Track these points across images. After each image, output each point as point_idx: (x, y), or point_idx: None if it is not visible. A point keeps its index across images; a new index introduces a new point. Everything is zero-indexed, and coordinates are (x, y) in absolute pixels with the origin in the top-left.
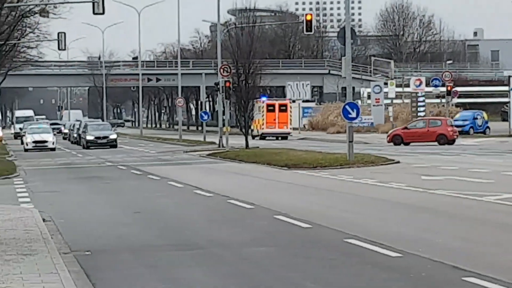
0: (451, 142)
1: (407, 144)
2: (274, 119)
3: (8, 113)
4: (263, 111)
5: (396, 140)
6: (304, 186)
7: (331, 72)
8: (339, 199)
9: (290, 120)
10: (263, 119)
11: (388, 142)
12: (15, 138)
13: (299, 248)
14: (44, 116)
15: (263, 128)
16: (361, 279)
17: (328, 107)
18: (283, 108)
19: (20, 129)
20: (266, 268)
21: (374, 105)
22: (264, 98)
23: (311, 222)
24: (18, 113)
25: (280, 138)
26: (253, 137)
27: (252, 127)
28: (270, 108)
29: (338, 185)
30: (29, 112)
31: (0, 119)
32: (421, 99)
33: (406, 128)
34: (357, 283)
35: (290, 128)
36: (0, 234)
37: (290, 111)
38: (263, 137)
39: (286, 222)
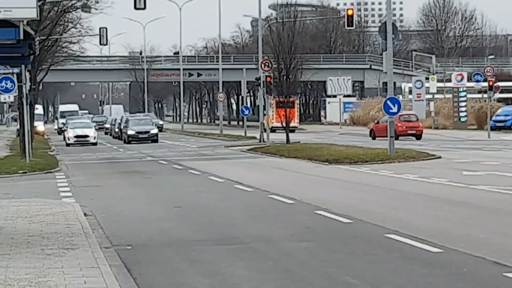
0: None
1: (374, 138)
2: (284, 115)
3: (50, 108)
4: (273, 107)
5: (371, 134)
6: (345, 181)
7: (372, 67)
8: (380, 194)
9: (297, 115)
10: (273, 114)
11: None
12: (59, 133)
13: (340, 243)
14: (87, 111)
15: (273, 122)
16: (401, 274)
17: (369, 102)
18: (291, 105)
19: (63, 124)
20: (307, 263)
21: (415, 100)
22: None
23: (352, 217)
24: (62, 107)
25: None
26: (265, 129)
27: (263, 121)
28: (280, 105)
29: (379, 180)
30: (74, 107)
31: (43, 114)
32: (462, 94)
33: (377, 123)
34: (397, 279)
35: (297, 123)
36: (42, 228)
37: (297, 108)
38: (273, 130)
39: (326, 217)
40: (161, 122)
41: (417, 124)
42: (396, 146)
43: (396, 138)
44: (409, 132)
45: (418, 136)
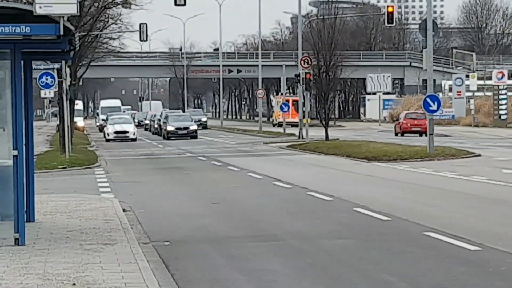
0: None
1: (403, 134)
2: (289, 112)
3: (90, 104)
4: (279, 105)
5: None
6: (384, 178)
7: (412, 64)
8: (419, 192)
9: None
10: (279, 112)
11: None
12: (100, 130)
13: (378, 240)
14: (130, 107)
15: (279, 117)
16: (439, 272)
17: (409, 100)
18: (295, 103)
19: (104, 120)
20: (344, 260)
21: (455, 98)
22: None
23: (390, 214)
24: (104, 103)
25: (291, 125)
26: (274, 125)
27: (272, 118)
28: (294, 103)
29: (418, 178)
30: (116, 102)
31: (82, 109)
32: (503, 92)
33: (397, 120)
34: (435, 277)
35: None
36: (81, 224)
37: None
38: (280, 125)
39: (365, 214)
40: (205, 119)
41: (422, 122)
42: (435, 144)
43: (402, 135)
44: (413, 129)
45: (424, 133)
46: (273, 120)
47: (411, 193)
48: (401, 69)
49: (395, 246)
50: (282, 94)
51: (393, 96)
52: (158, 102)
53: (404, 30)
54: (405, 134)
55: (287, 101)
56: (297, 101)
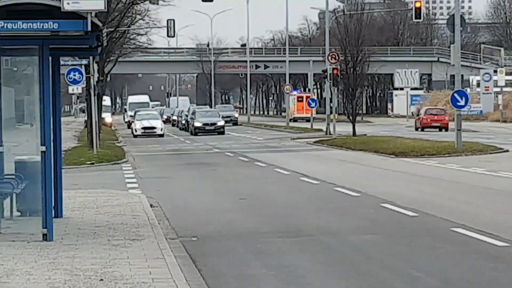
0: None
1: (423, 129)
2: (302, 107)
3: (118, 100)
4: (294, 102)
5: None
6: (411, 174)
7: (440, 59)
8: (447, 188)
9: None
10: (294, 107)
11: None
12: (129, 127)
13: (405, 236)
14: (158, 102)
15: (294, 113)
16: (467, 268)
17: (437, 95)
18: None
19: (132, 116)
20: (372, 256)
21: (483, 93)
22: (295, 92)
23: (418, 210)
24: (132, 98)
25: (306, 121)
26: (290, 120)
27: (288, 113)
28: (300, 99)
29: (445, 173)
30: (144, 98)
31: (110, 105)
32: None
33: (418, 115)
34: (463, 272)
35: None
36: (108, 219)
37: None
38: (295, 120)
39: (392, 210)
40: (236, 115)
41: (442, 118)
42: (463, 140)
43: (422, 129)
44: (433, 124)
45: (444, 129)
46: (288, 116)
47: (438, 189)
48: (429, 65)
49: (423, 242)
50: (296, 91)
51: (420, 92)
52: (185, 98)
53: (431, 26)
54: (425, 129)
55: (301, 98)
56: (309, 97)
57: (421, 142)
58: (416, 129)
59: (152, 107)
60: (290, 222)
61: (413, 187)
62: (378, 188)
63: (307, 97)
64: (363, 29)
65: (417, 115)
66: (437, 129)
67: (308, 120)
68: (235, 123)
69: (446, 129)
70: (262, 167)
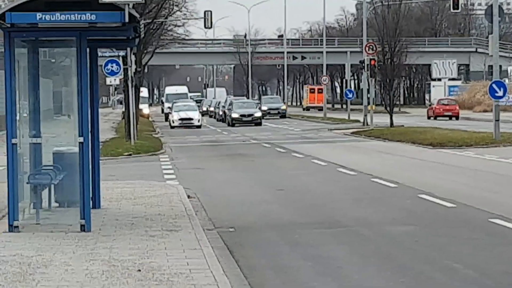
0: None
1: (435, 118)
2: (314, 98)
3: (155, 91)
4: (307, 93)
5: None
6: (449, 165)
7: (478, 50)
8: (485, 179)
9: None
10: (307, 98)
11: None
12: (166, 119)
13: (443, 227)
14: (199, 93)
15: (307, 103)
16: (505, 259)
17: (475, 86)
18: (320, 91)
19: (170, 108)
20: (409, 247)
21: None
22: (308, 85)
23: (455, 201)
24: (169, 89)
25: (318, 109)
26: (303, 109)
27: (303, 103)
28: (312, 91)
29: (483, 164)
30: (182, 89)
31: (148, 96)
32: None
33: (431, 104)
34: (501, 264)
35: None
36: (146, 210)
37: (325, 93)
38: (307, 108)
39: (430, 201)
40: (284, 107)
41: (453, 107)
42: (501, 130)
43: (435, 118)
44: (445, 113)
45: (455, 117)
46: (303, 105)
47: (476, 180)
48: (467, 55)
49: (460, 233)
50: (307, 84)
51: (458, 82)
52: (222, 89)
53: (469, 16)
54: (437, 118)
55: (313, 89)
56: (321, 89)
57: (459, 132)
58: (429, 117)
59: (192, 98)
60: (327, 213)
61: (450, 178)
62: (416, 179)
63: (319, 89)
64: (400, 20)
65: (430, 105)
66: (448, 118)
67: (320, 109)
68: (282, 115)
69: (457, 118)
70: (299, 158)
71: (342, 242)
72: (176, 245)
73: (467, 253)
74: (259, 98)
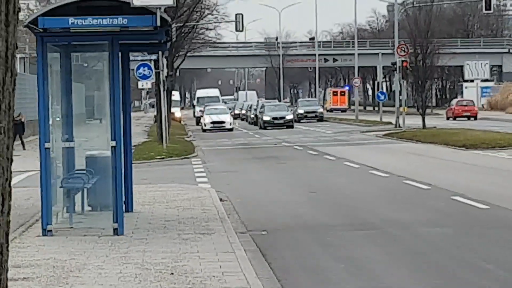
0: None
1: (455, 118)
2: (337, 100)
3: (187, 94)
4: (330, 95)
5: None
6: (482, 166)
7: (511, 51)
8: None
9: (348, 100)
10: (330, 100)
11: None
12: (198, 123)
13: (476, 229)
14: (232, 96)
15: (330, 105)
16: None
17: (508, 87)
18: (343, 94)
19: (201, 111)
20: (441, 248)
21: None
22: (331, 88)
23: (489, 203)
24: (200, 92)
25: (341, 111)
26: (326, 111)
27: (325, 105)
28: (335, 93)
29: None
30: (214, 92)
31: (179, 100)
32: None
33: (449, 105)
34: None
35: (346, 105)
36: (179, 214)
37: (347, 96)
38: (331, 110)
39: (463, 202)
40: (321, 110)
41: (471, 108)
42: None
43: (454, 119)
44: (464, 114)
45: (473, 117)
46: (325, 107)
47: (509, 181)
48: (499, 56)
49: (494, 234)
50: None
51: (491, 84)
52: (253, 92)
53: (502, 17)
54: (456, 118)
55: (336, 92)
56: (344, 92)
57: (492, 134)
58: (448, 118)
59: (225, 102)
60: (359, 215)
61: (484, 179)
62: (449, 180)
63: (341, 91)
64: (432, 21)
65: (448, 106)
66: (467, 118)
67: (343, 110)
68: (320, 119)
69: (475, 118)
70: (331, 161)
71: (375, 244)
72: (209, 248)
73: (501, 254)
74: (291, 101)
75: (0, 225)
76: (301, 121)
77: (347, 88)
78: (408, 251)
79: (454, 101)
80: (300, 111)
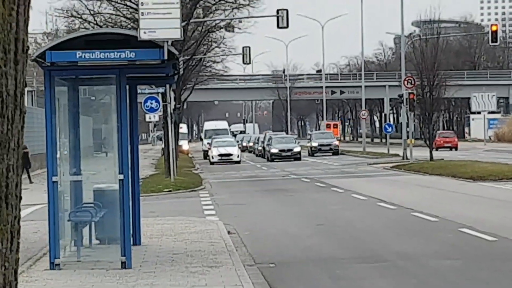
0: None
1: (437, 149)
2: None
3: (195, 127)
4: (324, 127)
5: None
6: (490, 198)
7: None
8: None
9: (340, 132)
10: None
11: None
12: (205, 157)
13: (485, 261)
14: (243, 128)
15: None
16: None
17: None
18: (335, 126)
19: (209, 144)
20: (452, 281)
21: None
22: (325, 121)
23: (497, 235)
24: (208, 125)
25: None
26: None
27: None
28: (328, 126)
29: None
30: (222, 124)
31: (187, 132)
32: None
33: (434, 137)
34: None
35: (338, 138)
36: (186, 246)
37: (340, 128)
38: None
39: (471, 235)
40: (336, 143)
41: (452, 140)
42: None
43: (437, 149)
44: (446, 145)
45: (454, 148)
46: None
47: None
48: (506, 88)
49: (503, 266)
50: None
51: (498, 115)
52: (255, 124)
53: (508, 49)
54: (439, 149)
55: (329, 124)
56: (336, 124)
57: (500, 166)
58: (437, 149)
59: (234, 134)
60: (368, 248)
61: (491, 211)
62: (456, 212)
63: (334, 124)
64: (439, 53)
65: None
66: (449, 149)
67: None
68: (335, 152)
69: (456, 149)
70: (339, 193)
71: (384, 276)
72: (217, 281)
73: (510, 286)
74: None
75: (9, 263)
76: (315, 154)
77: (338, 122)
78: (418, 284)
79: (437, 133)
80: (314, 144)
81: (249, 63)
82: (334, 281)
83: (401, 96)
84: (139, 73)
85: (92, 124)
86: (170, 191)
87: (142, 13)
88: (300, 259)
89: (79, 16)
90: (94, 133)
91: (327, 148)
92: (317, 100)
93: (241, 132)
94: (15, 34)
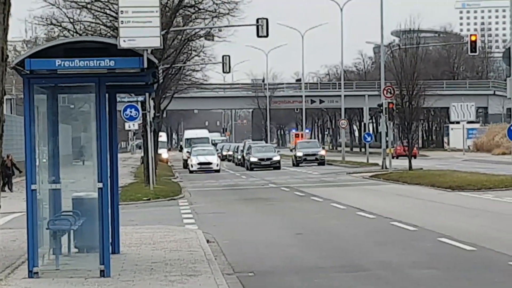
0: None
1: (397, 158)
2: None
3: (174, 135)
4: (293, 137)
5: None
6: (468, 208)
7: (496, 93)
8: (504, 222)
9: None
10: (293, 141)
11: None
12: (185, 166)
13: (464, 270)
14: (225, 138)
15: (293, 145)
16: None
17: (493, 128)
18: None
19: (189, 152)
20: None
21: None
22: (294, 130)
23: (476, 244)
24: (189, 133)
25: None
26: (291, 150)
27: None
28: (297, 135)
29: (503, 207)
30: (203, 132)
31: (166, 141)
32: None
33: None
34: None
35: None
36: (165, 255)
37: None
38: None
39: (450, 244)
40: (322, 153)
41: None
42: (508, 173)
43: (397, 158)
44: (405, 153)
45: (413, 156)
46: (290, 147)
47: (496, 223)
48: (485, 98)
49: (482, 276)
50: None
51: (477, 125)
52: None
53: (487, 59)
54: (399, 157)
55: (298, 134)
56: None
57: (478, 175)
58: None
59: (214, 143)
60: (347, 257)
61: (470, 221)
62: (435, 222)
63: (301, 134)
64: (418, 63)
65: (392, 146)
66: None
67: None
68: (321, 162)
69: (415, 157)
70: (318, 202)
71: (365, 285)
72: None
73: None
74: (278, 142)
75: None
76: (300, 164)
77: (307, 130)
78: None
79: (397, 142)
80: (299, 154)
81: (229, 72)
82: None
83: (380, 105)
84: (119, 81)
85: (71, 132)
86: (149, 199)
87: (122, 21)
88: (280, 268)
89: (58, 24)
90: (73, 141)
91: (313, 158)
92: (297, 109)
93: (222, 141)
94: None
